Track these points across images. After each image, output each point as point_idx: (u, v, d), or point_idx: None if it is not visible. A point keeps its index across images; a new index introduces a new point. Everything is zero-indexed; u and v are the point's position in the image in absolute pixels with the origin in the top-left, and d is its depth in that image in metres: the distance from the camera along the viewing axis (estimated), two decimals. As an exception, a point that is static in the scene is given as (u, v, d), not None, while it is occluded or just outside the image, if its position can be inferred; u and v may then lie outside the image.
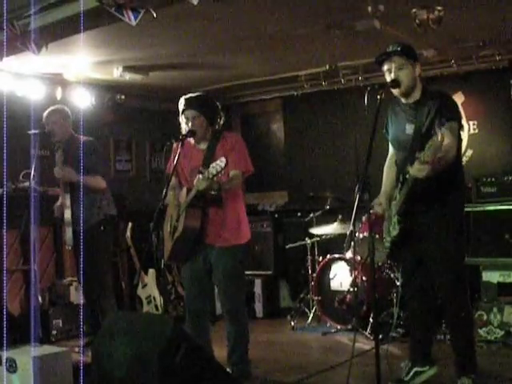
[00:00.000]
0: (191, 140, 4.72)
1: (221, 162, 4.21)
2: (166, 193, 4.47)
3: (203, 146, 4.73)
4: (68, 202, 5.66)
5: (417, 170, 3.77)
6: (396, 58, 4.00)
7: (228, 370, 4.53)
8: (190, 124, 4.62)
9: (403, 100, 4.15)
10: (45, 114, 5.79)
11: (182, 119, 4.68)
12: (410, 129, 4.07)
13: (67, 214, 5.69)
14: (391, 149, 4.41)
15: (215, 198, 4.54)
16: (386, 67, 4.08)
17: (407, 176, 3.95)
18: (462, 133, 4.10)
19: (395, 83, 3.99)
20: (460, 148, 4.11)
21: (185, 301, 5.06)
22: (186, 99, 4.67)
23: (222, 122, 4.79)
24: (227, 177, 4.55)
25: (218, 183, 4.39)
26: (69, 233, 5.73)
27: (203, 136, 4.69)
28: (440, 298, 4.25)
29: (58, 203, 5.90)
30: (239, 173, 4.61)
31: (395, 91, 4.08)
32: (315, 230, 6.79)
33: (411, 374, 4.26)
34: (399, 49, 4.00)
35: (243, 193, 4.87)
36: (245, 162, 4.66)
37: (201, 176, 4.33)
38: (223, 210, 4.63)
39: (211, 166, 4.26)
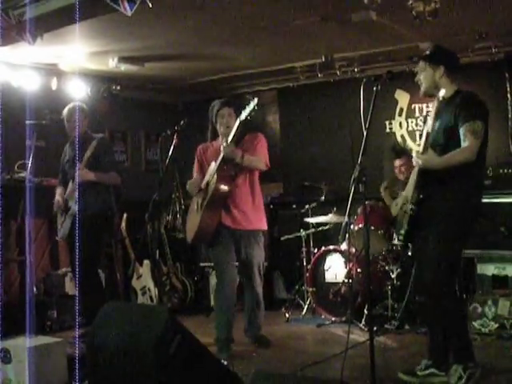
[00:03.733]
0: (218, 141, 5.22)
1: (252, 103, 4.77)
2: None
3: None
4: (76, 193, 5.60)
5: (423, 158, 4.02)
6: (420, 62, 4.28)
7: (247, 340, 5.38)
8: (225, 120, 5.15)
9: (440, 97, 4.26)
10: (66, 112, 5.82)
11: (218, 118, 5.17)
12: (437, 124, 4.19)
13: (72, 204, 5.65)
14: None
15: (237, 165, 5.04)
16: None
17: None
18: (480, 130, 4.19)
19: (391, 74, 4.03)
20: (482, 146, 4.19)
21: (219, 271, 5.30)
22: (221, 102, 5.23)
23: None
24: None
25: (241, 152, 4.99)
26: (68, 224, 5.71)
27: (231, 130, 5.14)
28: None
29: (58, 197, 5.86)
30: (262, 159, 5.20)
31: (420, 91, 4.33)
32: (311, 219, 6.81)
33: (427, 372, 4.18)
34: (423, 54, 4.28)
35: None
36: (265, 158, 5.25)
37: (224, 144, 4.97)
38: (251, 194, 5.20)
39: (243, 110, 4.88)
